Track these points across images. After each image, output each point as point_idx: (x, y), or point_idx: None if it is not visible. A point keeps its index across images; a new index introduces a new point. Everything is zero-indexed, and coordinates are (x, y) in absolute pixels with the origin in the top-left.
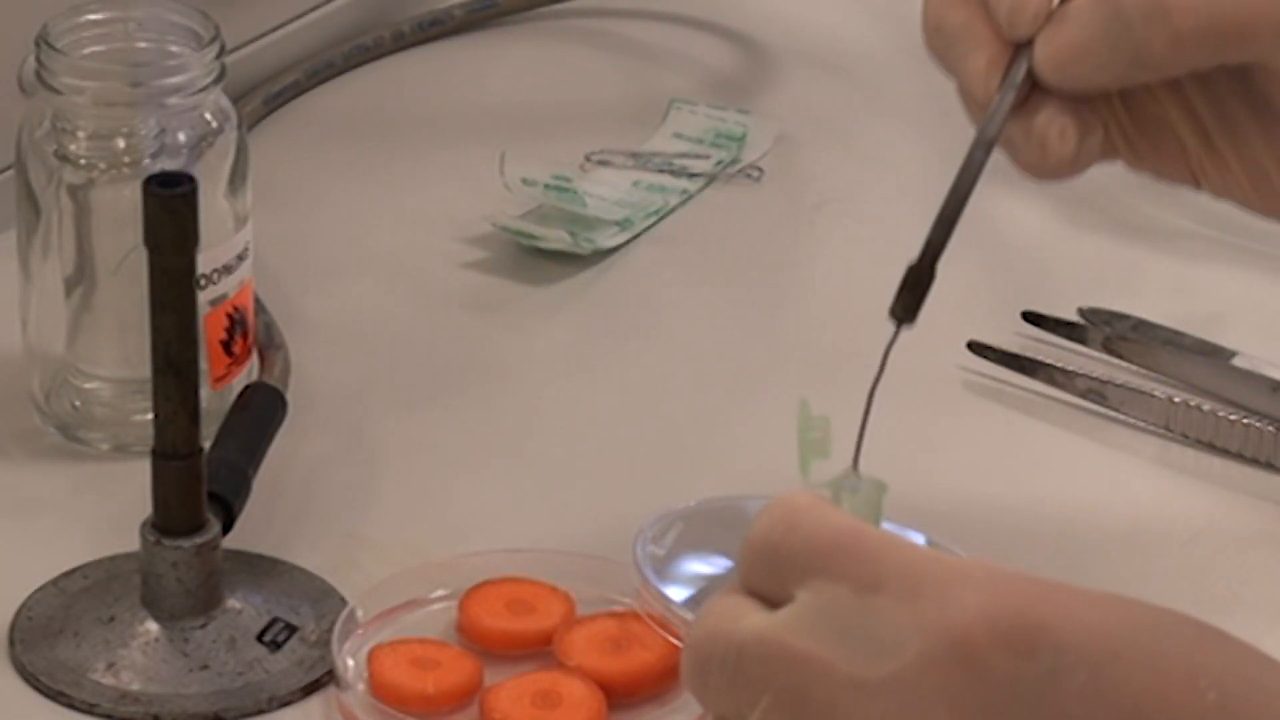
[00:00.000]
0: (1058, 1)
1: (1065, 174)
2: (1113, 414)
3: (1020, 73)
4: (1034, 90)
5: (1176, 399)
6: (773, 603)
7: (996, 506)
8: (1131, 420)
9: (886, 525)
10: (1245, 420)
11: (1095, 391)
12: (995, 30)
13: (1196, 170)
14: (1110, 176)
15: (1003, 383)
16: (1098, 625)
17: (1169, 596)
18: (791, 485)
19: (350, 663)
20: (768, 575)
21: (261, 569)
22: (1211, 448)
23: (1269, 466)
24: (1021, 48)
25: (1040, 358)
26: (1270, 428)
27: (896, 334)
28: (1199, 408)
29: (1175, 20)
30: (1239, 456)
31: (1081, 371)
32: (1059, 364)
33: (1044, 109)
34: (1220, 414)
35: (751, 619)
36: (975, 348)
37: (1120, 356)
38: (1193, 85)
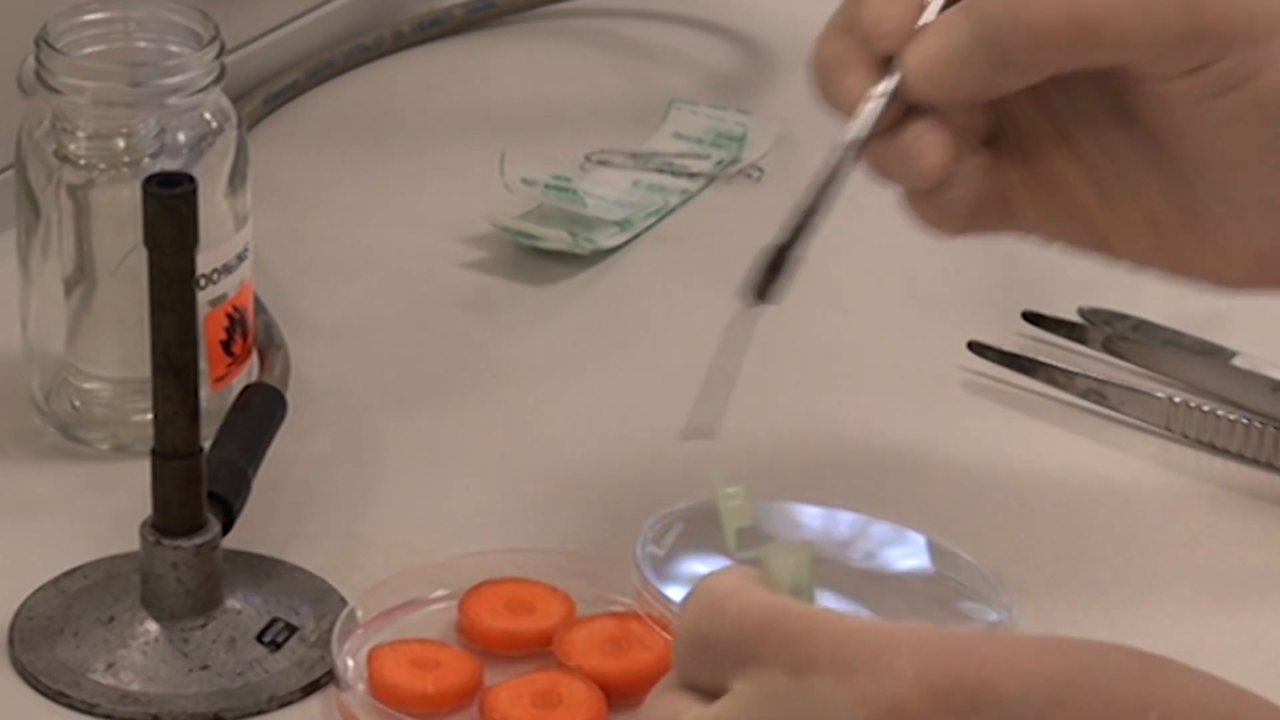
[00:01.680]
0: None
1: (931, 185)
2: (1113, 414)
3: (890, 84)
4: (907, 112)
5: (1176, 399)
6: (711, 694)
7: (996, 507)
8: (1131, 420)
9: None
10: (1245, 420)
11: (1095, 391)
12: (869, 55)
13: (1103, 230)
14: None
15: (1003, 383)
16: (1037, 673)
17: (1169, 597)
18: (791, 486)
19: (350, 663)
20: (702, 668)
21: (261, 569)
22: (1212, 448)
23: (1269, 466)
24: (892, 64)
25: (1040, 358)
26: (1270, 428)
27: (754, 315)
28: (1199, 408)
29: (1032, 14)
30: (1239, 456)
31: (1081, 371)
32: (1059, 364)
33: (913, 125)
34: (1220, 414)
35: (690, 715)
36: (975, 348)
37: (1120, 356)
38: (1084, 132)
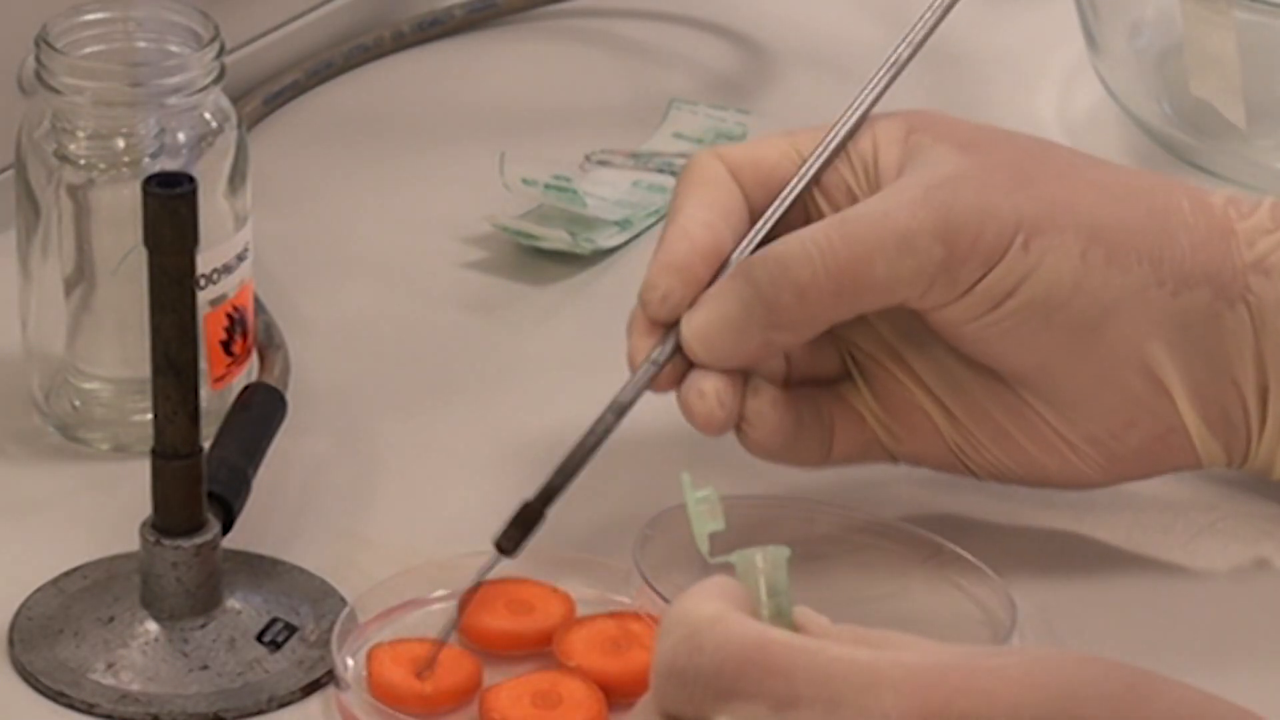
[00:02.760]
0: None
1: (722, 429)
2: None
3: (665, 350)
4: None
5: None
6: None
7: (996, 508)
8: None
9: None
10: None
11: None
12: (647, 319)
13: (958, 448)
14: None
15: None
16: (1021, 705)
17: (1169, 597)
18: (793, 486)
19: (350, 663)
20: (682, 701)
21: (261, 569)
22: None
23: None
24: (671, 328)
25: None
26: None
27: (495, 562)
28: None
29: (794, 273)
30: None
31: None
32: None
33: (688, 377)
34: None
35: None
36: None
37: None
38: (914, 355)
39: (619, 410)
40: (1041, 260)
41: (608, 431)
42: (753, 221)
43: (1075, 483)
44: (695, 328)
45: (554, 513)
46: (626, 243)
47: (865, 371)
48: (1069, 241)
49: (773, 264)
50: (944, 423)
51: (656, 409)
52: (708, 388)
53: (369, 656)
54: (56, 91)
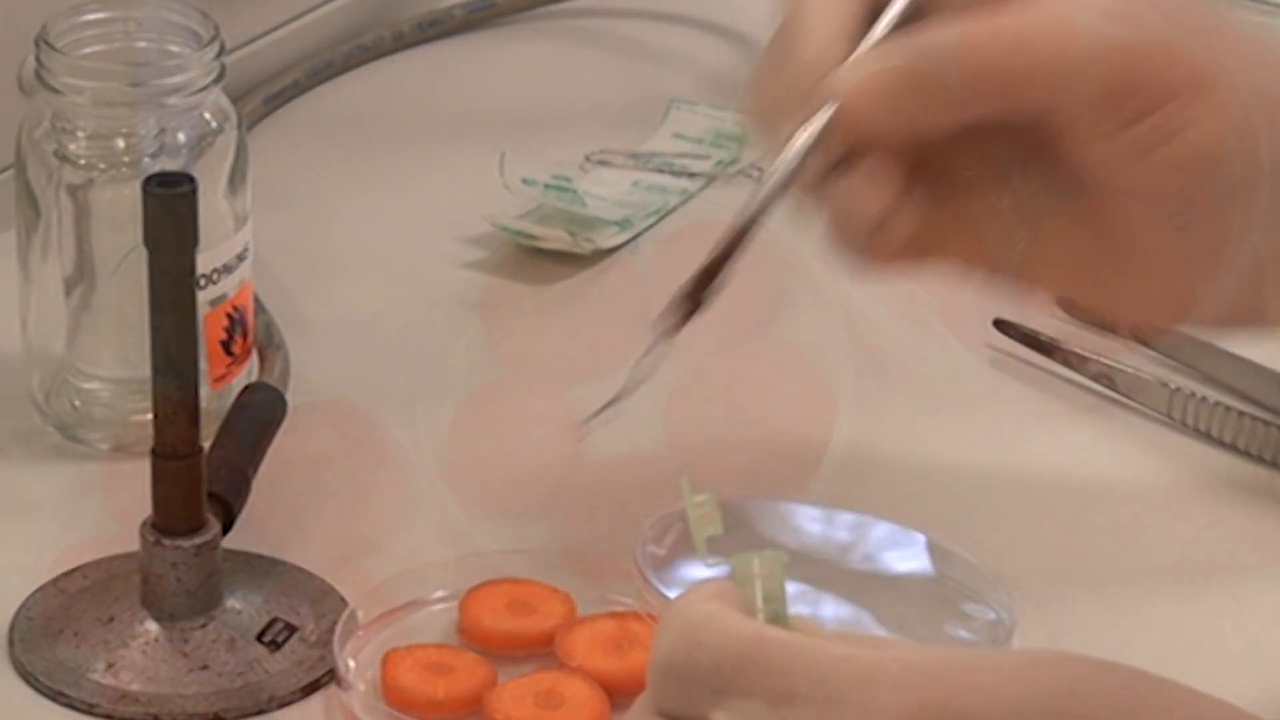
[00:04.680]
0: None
1: (868, 240)
2: (1122, 400)
3: (823, 119)
4: (844, 160)
5: (1185, 389)
6: None
7: (995, 509)
8: (1138, 408)
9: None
10: (1252, 415)
11: (1105, 376)
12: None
13: (1027, 263)
14: None
15: (1027, 363)
16: (1020, 702)
17: (1169, 595)
18: (795, 485)
19: (352, 664)
20: (679, 699)
21: (261, 569)
22: (1219, 443)
23: (1271, 464)
24: (829, 104)
25: (1062, 339)
26: (1275, 427)
27: (658, 342)
28: (1203, 399)
29: (965, 54)
30: (1242, 452)
31: (1093, 356)
32: (1073, 347)
33: (852, 172)
34: (1230, 409)
35: None
36: (1000, 325)
37: (1149, 345)
38: (1007, 179)
39: (782, 186)
40: (1201, 117)
41: (770, 199)
42: None
43: (1145, 318)
44: (858, 87)
45: (554, 512)
46: (626, 243)
47: (940, 182)
48: (1232, 103)
49: (954, 39)
50: (1023, 239)
51: (655, 411)
52: (872, 193)
53: (384, 660)
54: (56, 91)
